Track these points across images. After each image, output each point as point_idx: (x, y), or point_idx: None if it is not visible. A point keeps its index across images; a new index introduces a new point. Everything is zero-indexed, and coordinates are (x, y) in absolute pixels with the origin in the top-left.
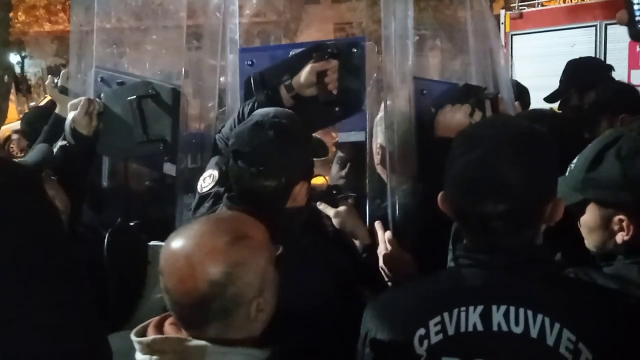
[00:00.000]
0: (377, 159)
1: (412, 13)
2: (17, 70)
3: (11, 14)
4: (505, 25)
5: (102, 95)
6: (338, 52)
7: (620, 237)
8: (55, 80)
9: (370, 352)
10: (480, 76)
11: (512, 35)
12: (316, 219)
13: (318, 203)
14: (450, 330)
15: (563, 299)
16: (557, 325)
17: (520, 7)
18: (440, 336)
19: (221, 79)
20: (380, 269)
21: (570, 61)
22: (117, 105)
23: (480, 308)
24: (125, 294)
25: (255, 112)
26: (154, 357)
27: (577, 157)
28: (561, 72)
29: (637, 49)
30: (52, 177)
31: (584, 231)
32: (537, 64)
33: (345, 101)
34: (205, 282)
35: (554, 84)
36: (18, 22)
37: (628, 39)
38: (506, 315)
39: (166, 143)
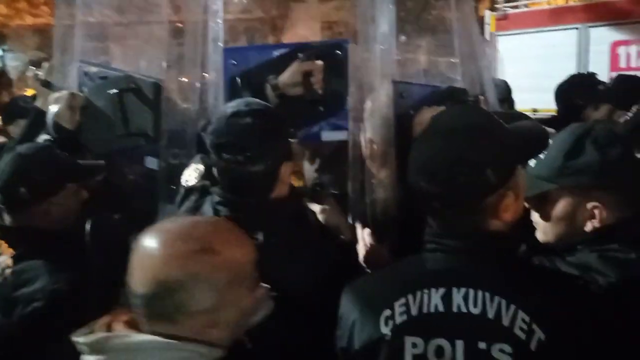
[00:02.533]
0: (365, 152)
1: (394, 15)
2: None
3: None
4: (490, 26)
5: (84, 89)
6: (322, 53)
7: (590, 225)
8: (38, 73)
9: (342, 333)
10: (466, 78)
11: (496, 36)
12: (304, 213)
13: (305, 200)
14: (414, 311)
15: (520, 282)
16: (512, 307)
17: (505, 8)
18: (405, 317)
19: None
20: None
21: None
22: (99, 100)
23: (442, 290)
24: (108, 282)
25: (226, 105)
26: (100, 357)
27: (547, 149)
28: (545, 73)
29: (618, 52)
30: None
31: (551, 222)
32: (521, 64)
33: (329, 100)
34: (155, 281)
35: (537, 85)
36: (0, 16)
37: (609, 42)
38: (465, 297)
39: (148, 137)
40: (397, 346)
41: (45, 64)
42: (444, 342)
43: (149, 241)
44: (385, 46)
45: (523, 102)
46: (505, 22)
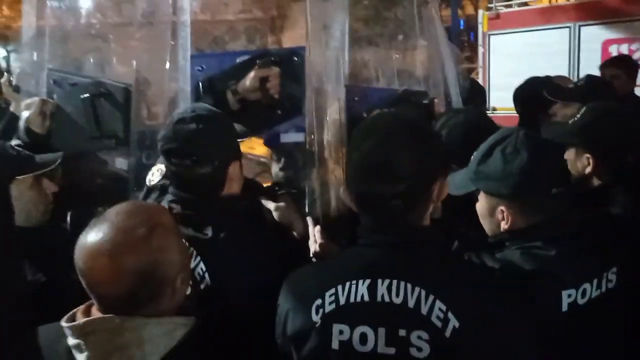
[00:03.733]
0: (325, 153)
1: (347, 22)
2: (3, 64)
3: None
4: (482, 25)
5: (54, 95)
6: (280, 59)
7: (502, 225)
8: (11, 79)
9: (278, 321)
10: (429, 80)
11: (489, 35)
12: (258, 210)
13: (260, 198)
14: (342, 301)
15: (439, 274)
16: (431, 297)
17: (497, 8)
18: (333, 306)
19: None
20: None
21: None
22: (70, 105)
23: (368, 281)
24: None
25: (174, 112)
26: (86, 339)
27: (476, 151)
28: (537, 71)
29: (609, 50)
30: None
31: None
32: (513, 63)
33: (287, 104)
34: (134, 273)
35: None
36: (2, 17)
37: (601, 40)
38: (389, 287)
39: (118, 139)
40: (326, 333)
41: (17, 71)
42: (367, 329)
43: (100, 247)
44: (337, 52)
45: None
46: (498, 22)
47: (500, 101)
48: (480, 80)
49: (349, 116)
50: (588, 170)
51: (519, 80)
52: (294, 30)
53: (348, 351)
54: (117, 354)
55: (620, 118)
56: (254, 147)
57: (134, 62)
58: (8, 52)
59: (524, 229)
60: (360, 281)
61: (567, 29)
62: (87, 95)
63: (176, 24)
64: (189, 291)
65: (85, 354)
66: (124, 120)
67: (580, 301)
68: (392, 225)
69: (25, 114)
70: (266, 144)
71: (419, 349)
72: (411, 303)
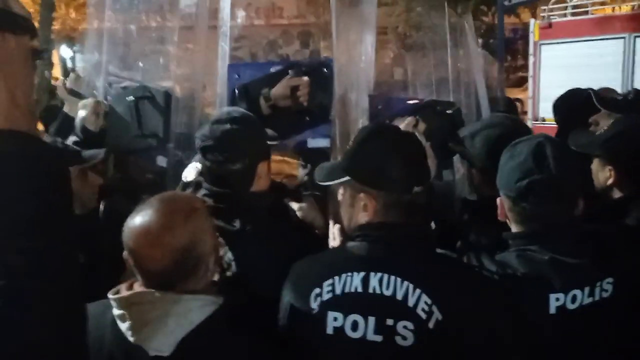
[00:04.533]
0: None
1: (374, 36)
2: (69, 64)
3: (62, 12)
4: (534, 34)
5: (108, 97)
6: (310, 70)
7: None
8: (66, 82)
9: (281, 308)
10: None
11: (540, 45)
12: (284, 209)
13: (286, 198)
14: (338, 290)
15: (427, 270)
16: (417, 291)
17: (550, 17)
18: (330, 295)
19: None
20: None
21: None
22: (120, 106)
23: (362, 274)
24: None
25: (213, 113)
26: (129, 309)
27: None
28: (589, 82)
29: None
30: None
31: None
32: (564, 73)
33: (315, 112)
34: (175, 250)
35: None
36: (69, 19)
37: None
38: (380, 280)
39: (159, 138)
40: (322, 319)
41: (72, 74)
42: (359, 318)
43: (147, 229)
44: (365, 64)
45: None
46: (550, 31)
47: (550, 112)
48: (530, 90)
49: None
50: (610, 181)
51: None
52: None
53: (341, 337)
54: (156, 322)
55: None
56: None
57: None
58: (74, 52)
59: (524, 232)
60: (356, 273)
61: (622, 40)
62: (132, 97)
63: (233, 28)
64: (216, 277)
65: (127, 323)
66: (164, 122)
67: (570, 306)
68: (389, 224)
69: (81, 114)
70: (295, 148)
71: (404, 338)
72: (399, 295)
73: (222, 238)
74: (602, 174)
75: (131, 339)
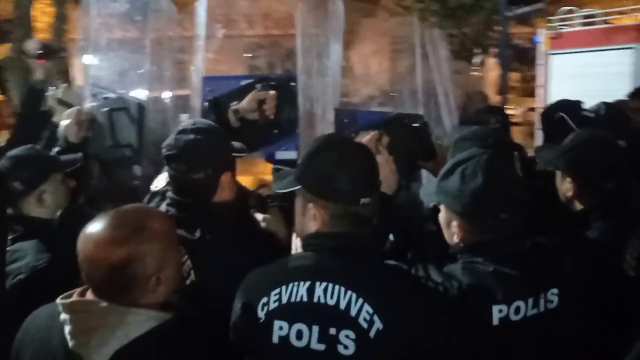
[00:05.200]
0: None
1: (341, 51)
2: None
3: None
4: (544, 44)
5: (92, 107)
6: (278, 84)
7: (455, 239)
8: (56, 94)
9: (232, 316)
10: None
11: (549, 55)
12: (249, 220)
13: (252, 210)
14: (284, 300)
15: (371, 279)
16: (360, 300)
17: (559, 27)
18: (277, 304)
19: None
20: None
21: None
22: (99, 116)
23: (308, 283)
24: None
25: (180, 124)
26: (72, 315)
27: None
28: (598, 92)
29: None
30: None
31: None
32: (573, 83)
33: (283, 124)
34: (108, 265)
35: (590, 104)
36: None
37: None
38: (325, 290)
39: (133, 148)
40: (268, 328)
41: (62, 85)
42: (303, 327)
43: (91, 236)
44: (330, 78)
45: None
46: (559, 41)
47: None
48: (540, 100)
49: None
50: (570, 194)
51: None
52: (363, 45)
53: (286, 345)
54: (93, 331)
55: (604, 146)
56: None
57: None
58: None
59: (471, 244)
60: (302, 283)
61: (630, 50)
62: (107, 109)
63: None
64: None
65: (69, 327)
66: (137, 132)
67: (514, 317)
68: (335, 234)
69: (64, 123)
70: (265, 160)
71: (346, 347)
72: (342, 305)
73: (182, 247)
74: (563, 186)
75: (70, 343)
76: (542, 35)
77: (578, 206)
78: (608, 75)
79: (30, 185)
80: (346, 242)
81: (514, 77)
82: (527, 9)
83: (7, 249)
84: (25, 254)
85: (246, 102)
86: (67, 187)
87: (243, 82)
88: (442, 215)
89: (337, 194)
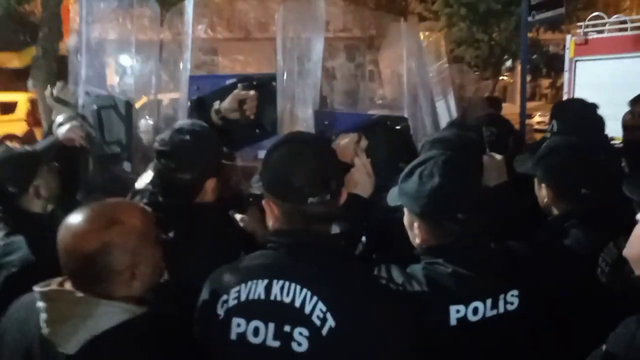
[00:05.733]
0: None
1: (321, 54)
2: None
3: None
4: (570, 51)
5: (85, 105)
6: (259, 84)
7: (417, 241)
8: (53, 92)
9: (196, 312)
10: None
11: (575, 61)
12: (227, 220)
13: (231, 210)
14: (243, 297)
15: (326, 278)
16: (314, 298)
17: (586, 33)
18: (235, 302)
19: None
20: None
21: None
22: (89, 114)
23: (265, 281)
24: None
25: (178, 122)
26: (47, 304)
27: None
28: (622, 100)
29: None
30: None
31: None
32: (599, 91)
33: (264, 124)
34: (81, 255)
35: (616, 112)
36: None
37: None
38: (282, 288)
39: (122, 145)
40: (226, 325)
41: (59, 83)
42: (260, 324)
43: (69, 226)
44: (310, 80)
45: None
46: (585, 47)
47: None
48: None
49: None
50: (546, 200)
51: (604, 109)
52: (391, 50)
53: (243, 342)
54: (66, 321)
55: (577, 152)
56: None
57: None
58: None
59: (431, 246)
60: (260, 281)
61: None
62: (95, 107)
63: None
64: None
65: (44, 315)
66: (125, 129)
67: (472, 318)
68: (288, 231)
69: (61, 130)
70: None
71: (299, 344)
72: (297, 302)
73: None
74: (540, 193)
75: (44, 331)
76: (569, 42)
77: (555, 212)
78: (634, 83)
79: (23, 185)
80: (299, 240)
81: (545, 83)
82: (548, 14)
83: (1, 243)
84: (18, 247)
85: (227, 102)
86: (55, 172)
87: (227, 82)
88: (405, 217)
89: (286, 192)
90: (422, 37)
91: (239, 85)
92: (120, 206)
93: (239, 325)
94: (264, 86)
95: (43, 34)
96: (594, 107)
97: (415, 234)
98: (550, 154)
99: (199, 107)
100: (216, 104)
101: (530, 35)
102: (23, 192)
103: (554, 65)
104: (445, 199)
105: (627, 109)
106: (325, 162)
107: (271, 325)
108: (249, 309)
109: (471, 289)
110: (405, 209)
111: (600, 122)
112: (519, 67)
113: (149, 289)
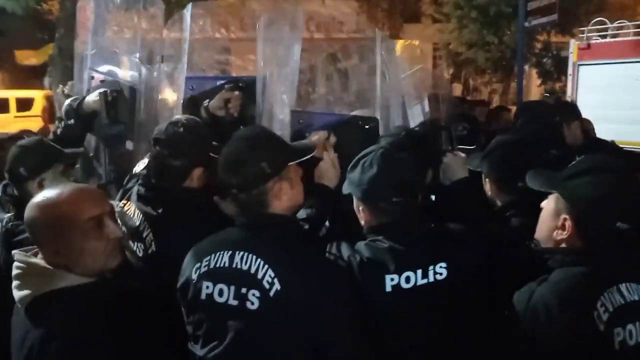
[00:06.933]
0: None
1: (298, 59)
2: None
3: None
4: (573, 55)
5: (90, 89)
6: (245, 86)
7: (362, 222)
8: (64, 89)
9: (179, 277)
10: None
11: (579, 65)
12: (212, 204)
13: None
14: (212, 265)
15: (278, 250)
16: (266, 266)
17: (588, 38)
18: (206, 268)
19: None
20: None
21: None
22: (95, 97)
23: (230, 252)
24: None
25: (175, 116)
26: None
27: None
28: (627, 104)
29: None
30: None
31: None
32: (603, 95)
33: (248, 122)
34: (42, 225)
35: (619, 116)
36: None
37: None
38: (242, 257)
39: (126, 125)
40: (198, 287)
41: (70, 82)
42: (224, 286)
43: (37, 198)
44: (288, 82)
45: (604, 133)
46: (589, 52)
47: None
48: None
49: (293, 136)
50: (490, 193)
51: (606, 113)
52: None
53: (211, 301)
54: (21, 280)
55: (515, 148)
56: None
57: None
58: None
59: (373, 226)
60: (225, 252)
61: None
62: (103, 90)
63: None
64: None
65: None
66: (129, 111)
67: (405, 285)
68: (247, 211)
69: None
70: None
71: (252, 303)
72: (253, 269)
73: (147, 221)
74: (486, 186)
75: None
76: (572, 46)
77: (498, 204)
78: (635, 87)
79: (33, 172)
80: (249, 220)
81: (556, 86)
82: (542, 20)
83: (12, 223)
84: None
85: (214, 101)
86: (68, 178)
87: (218, 83)
88: (354, 203)
89: (240, 179)
90: (398, 46)
91: (226, 86)
92: (77, 187)
93: (207, 287)
94: (249, 88)
95: (59, 34)
96: (551, 108)
97: (361, 216)
98: (494, 152)
99: (190, 104)
100: (205, 102)
101: (541, 38)
102: (30, 178)
103: (564, 68)
104: (381, 185)
105: (628, 111)
106: (250, 155)
107: (232, 288)
108: (216, 274)
109: (404, 261)
110: (353, 195)
111: (556, 122)
112: (529, 70)
113: (109, 268)
